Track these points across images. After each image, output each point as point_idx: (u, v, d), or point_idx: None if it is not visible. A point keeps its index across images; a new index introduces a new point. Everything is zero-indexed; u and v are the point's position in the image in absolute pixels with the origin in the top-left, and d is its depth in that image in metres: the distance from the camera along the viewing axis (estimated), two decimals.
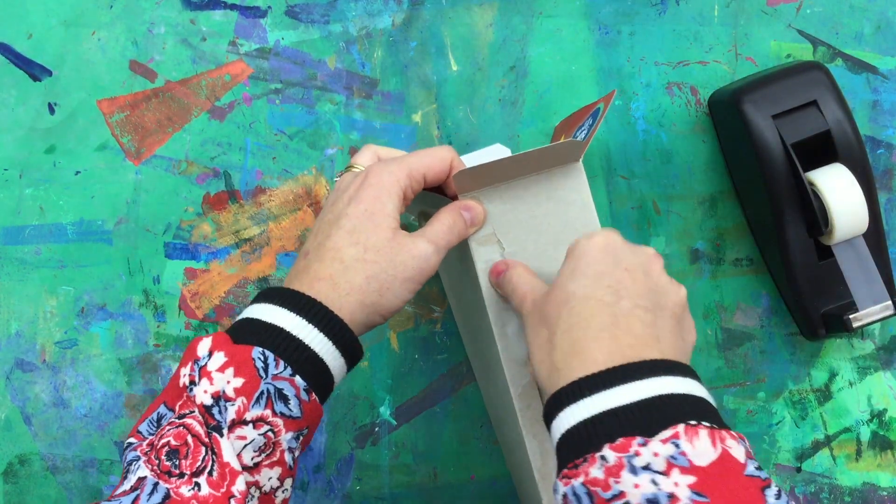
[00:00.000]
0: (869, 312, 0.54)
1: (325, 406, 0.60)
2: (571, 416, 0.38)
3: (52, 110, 0.60)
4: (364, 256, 0.45)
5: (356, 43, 0.61)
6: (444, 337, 0.61)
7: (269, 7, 0.61)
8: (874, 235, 0.56)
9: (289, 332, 0.43)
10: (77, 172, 0.60)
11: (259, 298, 0.45)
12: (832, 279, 0.56)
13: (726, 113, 0.58)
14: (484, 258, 0.49)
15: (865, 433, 0.61)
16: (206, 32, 0.61)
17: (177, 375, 0.43)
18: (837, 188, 0.53)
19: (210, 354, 0.42)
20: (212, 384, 0.41)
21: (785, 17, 0.61)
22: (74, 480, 0.60)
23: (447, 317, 0.61)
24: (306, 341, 0.43)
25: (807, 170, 0.55)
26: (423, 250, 0.46)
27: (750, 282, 0.61)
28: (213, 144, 0.61)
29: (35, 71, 0.60)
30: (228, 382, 0.41)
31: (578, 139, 0.48)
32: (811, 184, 0.54)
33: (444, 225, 0.48)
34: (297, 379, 0.42)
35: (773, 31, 0.61)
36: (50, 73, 0.60)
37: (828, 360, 0.61)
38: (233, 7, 0.61)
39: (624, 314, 0.40)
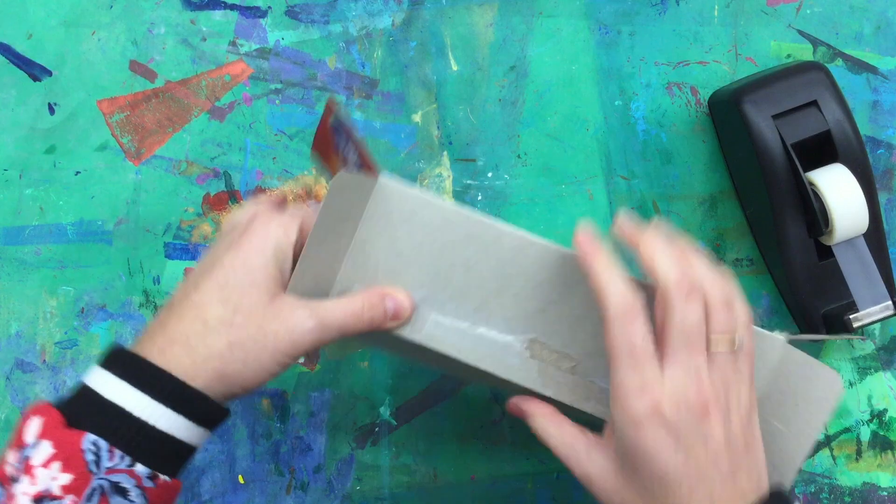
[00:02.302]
0: (869, 312, 0.54)
1: (325, 406, 0.60)
2: None
3: (52, 110, 0.60)
4: (232, 319, 0.39)
5: (356, 43, 0.61)
6: None
7: (269, 7, 0.61)
8: (874, 235, 0.56)
9: (129, 412, 0.37)
10: (77, 172, 0.60)
11: (105, 362, 0.39)
12: (832, 279, 0.56)
13: (726, 113, 0.58)
14: (409, 331, 0.43)
15: (865, 433, 0.61)
16: (206, 32, 0.61)
17: (3, 458, 0.37)
18: (837, 188, 0.53)
19: (37, 443, 0.36)
20: (35, 484, 0.36)
21: (785, 18, 0.61)
22: None
23: None
24: (151, 421, 0.37)
25: (807, 170, 0.55)
26: (301, 325, 0.39)
27: (750, 282, 0.61)
28: (213, 145, 0.61)
29: (35, 71, 0.60)
30: (54, 479, 0.36)
31: (351, 170, 0.44)
32: (811, 184, 0.54)
33: (349, 306, 0.40)
34: (138, 468, 0.37)
35: (773, 31, 0.61)
36: (50, 73, 0.60)
37: (828, 360, 0.61)
38: (233, 7, 0.61)
39: (721, 482, 0.38)
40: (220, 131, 0.61)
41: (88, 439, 0.36)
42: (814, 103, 0.55)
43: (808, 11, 0.61)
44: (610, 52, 0.61)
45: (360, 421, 0.60)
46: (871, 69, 0.61)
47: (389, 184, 0.42)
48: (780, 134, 0.54)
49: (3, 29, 0.60)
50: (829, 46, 0.61)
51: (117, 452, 0.37)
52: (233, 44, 0.61)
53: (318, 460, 0.60)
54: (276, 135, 0.61)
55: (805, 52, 0.61)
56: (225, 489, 0.60)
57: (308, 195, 0.61)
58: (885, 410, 0.61)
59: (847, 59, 0.61)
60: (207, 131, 0.61)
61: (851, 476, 0.61)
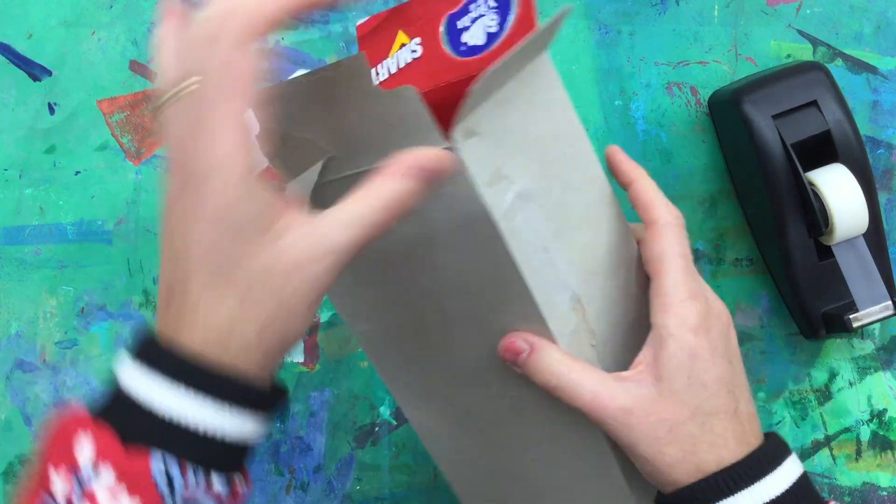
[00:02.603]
0: (869, 312, 0.54)
1: (325, 406, 0.60)
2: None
3: (52, 110, 0.60)
4: (242, 312, 0.32)
5: (356, 43, 0.61)
6: None
7: None
8: (874, 235, 0.56)
9: (194, 429, 0.31)
10: (77, 172, 0.60)
11: (141, 353, 0.33)
12: (832, 279, 0.56)
13: (726, 113, 0.58)
14: (500, 205, 0.36)
15: (865, 433, 0.61)
16: None
17: (43, 477, 0.32)
18: (837, 188, 0.53)
19: (95, 468, 0.31)
20: None
21: (785, 18, 0.61)
22: None
23: None
24: (217, 434, 0.32)
25: (807, 170, 0.55)
26: (316, 263, 0.31)
27: (750, 282, 0.61)
28: None
29: (35, 71, 0.60)
30: None
31: (492, 30, 0.36)
32: (811, 184, 0.54)
33: (368, 203, 0.32)
34: (214, 480, 0.32)
35: (773, 31, 0.61)
36: (50, 73, 0.60)
37: (828, 361, 0.61)
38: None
39: (747, 417, 0.40)
40: None
41: (156, 463, 0.31)
42: (814, 103, 0.55)
43: (808, 11, 0.61)
44: (610, 52, 0.61)
45: (360, 421, 0.60)
46: (871, 69, 0.61)
47: (549, 62, 0.39)
48: (780, 134, 0.54)
49: (3, 29, 0.60)
50: (829, 46, 0.61)
51: (189, 470, 0.32)
52: None
53: (317, 460, 0.60)
54: None
55: (805, 52, 0.61)
56: None
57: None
58: (885, 410, 0.61)
59: (847, 59, 0.61)
60: None
61: (851, 476, 0.61)
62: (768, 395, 0.61)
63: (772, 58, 0.61)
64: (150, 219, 0.60)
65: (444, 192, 0.36)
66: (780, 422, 0.61)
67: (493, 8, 0.38)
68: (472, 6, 0.38)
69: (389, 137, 0.35)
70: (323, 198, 0.38)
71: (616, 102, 0.61)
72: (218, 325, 0.32)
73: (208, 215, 0.32)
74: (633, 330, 0.43)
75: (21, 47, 0.60)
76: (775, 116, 0.55)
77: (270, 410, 0.34)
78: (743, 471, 0.38)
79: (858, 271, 0.54)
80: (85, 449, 0.31)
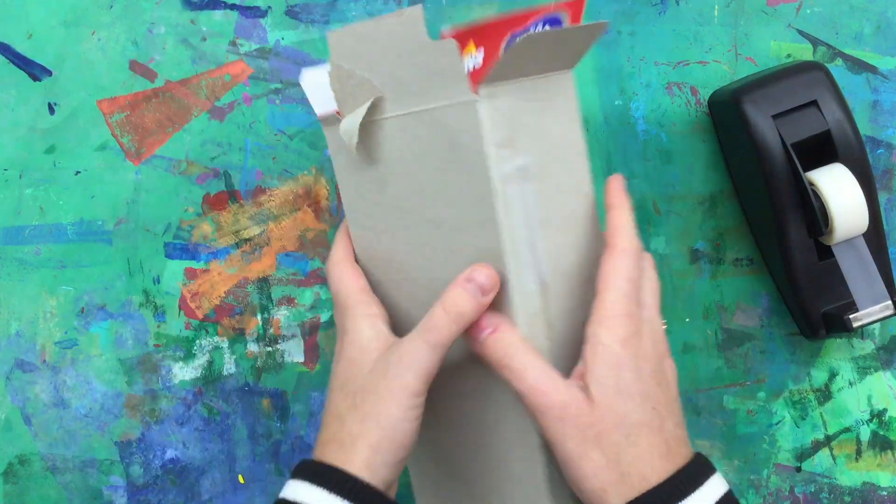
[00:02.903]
0: (869, 312, 0.54)
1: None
2: None
3: (52, 110, 0.60)
4: (355, 403, 0.42)
5: None
6: None
7: (270, 7, 0.61)
8: (874, 235, 0.56)
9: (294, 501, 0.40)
10: (77, 172, 0.60)
11: (294, 472, 0.43)
12: (832, 279, 0.56)
13: (726, 113, 0.58)
14: (501, 168, 0.41)
15: (865, 433, 0.61)
16: (206, 32, 0.61)
17: None
18: (837, 188, 0.53)
19: None
20: None
21: (785, 17, 0.61)
22: (74, 480, 0.60)
23: None
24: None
25: (807, 170, 0.55)
26: (400, 368, 0.42)
27: (750, 282, 0.61)
28: (213, 144, 0.61)
29: (35, 71, 0.60)
30: None
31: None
32: (811, 184, 0.54)
33: (435, 316, 0.42)
34: None
35: (773, 31, 0.61)
36: (50, 73, 0.60)
37: (828, 360, 0.61)
38: (233, 7, 0.61)
39: (673, 437, 0.42)
40: (220, 131, 0.61)
41: None
42: (814, 103, 0.55)
43: (808, 11, 0.61)
44: (610, 52, 0.61)
45: None
46: (871, 69, 0.61)
47: (572, 80, 0.45)
48: (780, 134, 0.54)
49: (3, 29, 0.60)
50: (829, 46, 0.61)
51: None
52: (233, 44, 0.61)
53: None
54: (276, 135, 0.61)
55: (805, 52, 0.61)
56: (225, 489, 0.60)
57: (308, 195, 0.61)
58: (885, 410, 0.61)
59: (847, 59, 0.61)
60: (207, 131, 0.61)
61: (851, 476, 0.61)
62: (768, 395, 0.61)
63: (772, 58, 0.61)
64: (150, 219, 0.60)
65: (457, 142, 0.42)
66: (780, 422, 0.61)
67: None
68: (531, 27, 0.44)
69: (429, 84, 0.42)
70: (367, 134, 0.45)
71: (616, 102, 0.61)
72: (337, 434, 0.42)
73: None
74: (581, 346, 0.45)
75: (21, 47, 0.60)
76: (775, 116, 0.55)
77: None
78: (668, 490, 0.39)
79: (858, 271, 0.54)
80: None
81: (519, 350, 0.41)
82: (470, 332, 0.42)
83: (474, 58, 0.45)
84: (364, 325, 0.45)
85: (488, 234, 0.42)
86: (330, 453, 0.42)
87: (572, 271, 0.45)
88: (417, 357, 0.41)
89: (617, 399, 0.41)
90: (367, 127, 0.45)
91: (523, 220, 0.42)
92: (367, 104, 0.44)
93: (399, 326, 0.47)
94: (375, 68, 0.44)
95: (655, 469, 0.40)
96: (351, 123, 0.45)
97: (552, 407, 0.40)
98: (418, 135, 0.44)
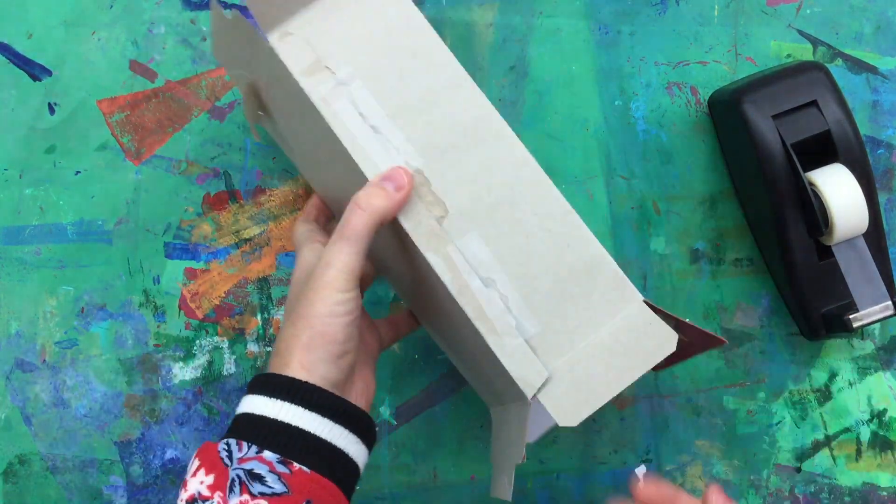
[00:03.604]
0: (869, 312, 0.54)
1: None
2: None
3: (52, 110, 0.60)
4: (289, 314, 0.45)
5: None
6: None
7: None
8: (874, 235, 0.56)
9: (252, 413, 0.42)
10: (77, 172, 0.60)
11: (254, 384, 0.45)
12: (832, 279, 0.56)
13: (726, 113, 0.58)
14: (318, 90, 0.45)
15: (865, 433, 0.61)
16: (207, 32, 0.61)
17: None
18: (837, 188, 0.53)
19: (190, 463, 0.42)
20: (186, 490, 0.41)
21: (785, 17, 0.61)
22: (74, 480, 0.60)
23: None
24: (271, 415, 0.42)
25: (807, 170, 0.55)
26: (321, 268, 0.44)
27: (750, 282, 0.61)
28: (213, 144, 0.61)
29: (35, 71, 0.60)
30: (202, 483, 0.40)
31: None
32: (811, 184, 0.54)
33: (351, 216, 0.44)
34: (266, 454, 0.41)
35: (773, 31, 0.61)
36: (50, 73, 0.60)
37: (828, 361, 0.61)
38: (233, 7, 0.61)
39: None
40: (220, 131, 0.61)
41: (222, 444, 0.42)
42: (814, 103, 0.55)
43: (808, 11, 0.61)
44: (610, 52, 0.61)
45: None
46: (871, 69, 0.61)
47: None
48: (780, 134, 0.54)
49: (3, 29, 0.60)
50: (829, 46, 0.61)
51: (244, 444, 0.41)
52: None
53: None
54: None
55: (805, 52, 0.61)
56: None
57: (308, 195, 0.61)
58: (885, 410, 0.61)
59: (847, 59, 0.61)
60: (207, 131, 0.61)
61: (851, 476, 0.61)
62: (768, 396, 0.61)
63: (772, 58, 0.61)
64: (150, 219, 0.60)
65: (285, 87, 0.46)
66: (780, 422, 0.61)
67: None
68: None
69: (249, 52, 0.47)
70: (266, 111, 0.52)
71: (616, 102, 0.61)
72: (277, 347, 0.44)
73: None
74: (502, 208, 0.46)
75: (21, 47, 0.60)
76: (775, 116, 0.55)
77: (319, 407, 0.42)
78: None
79: (858, 271, 0.54)
80: (191, 460, 0.43)
81: None
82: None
83: None
84: (306, 251, 0.49)
85: (341, 151, 0.45)
86: (273, 366, 0.44)
87: (449, 141, 0.46)
88: (337, 254, 0.43)
89: None
90: (265, 110, 0.52)
91: (365, 125, 0.46)
92: (245, 91, 0.50)
93: None
94: (237, 60, 0.49)
95: None
96: (246, 113, 0.52)
97: None
98: (278, 96, 0.49)
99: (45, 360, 0.60)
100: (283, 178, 0.61)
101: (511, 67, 0.61)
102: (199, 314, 0.60)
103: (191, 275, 0.60)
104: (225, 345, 0.60)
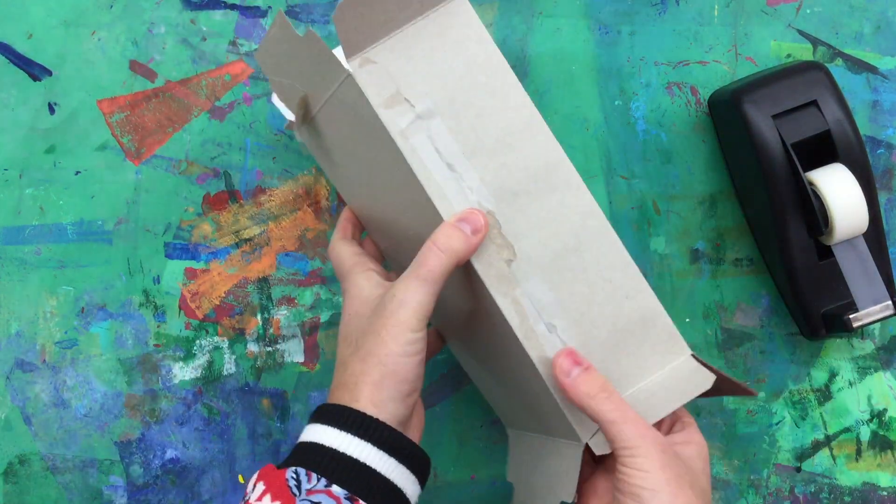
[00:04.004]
0: (869, 312, 0.54)
1: None
2: None
3: (52, 110, 0.60)
4: (356, 350, 0.44)
5: None
6: None
7: (270, 7, 0.61)
8: (874, 235, 0.56)
9: (324, 444, 0.42)
10: (77, 172, 0.60)
11: (311, 417, 0.45)
12: (832, 279, 0.56)
13: (726, 113, 0.58)
14: (396, 124, 0.44)
15: (865, 433, 0.61)
16: (206, 32, 0.61)
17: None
18: (837, 188, 0.53)
19: (254, 487, 0.42)
20: None
21: (785, 17, 0.61)
22: (74, 480, 0.60)
23: None
24: (342, 449, 0.42)
25: (807, 170, 0.55)
26: (394, 307, 0.43)
27: (750, 282, 0.61)
28: (213, 144, 0.61)
29: (35, 71, 0.60)
30: None
31: None
32: (811, 184, 0.54)
33: (428, 256, 0.44)
34: (335, 489, 0.41)
35: (773, 31, 0.61)
36: (50, 73, 0.60)
37: (828, 360, 0.61)
38: (233, 7, 0.61)
39: None
40: (220, 131, 0.61)
41: (290, 471, 0.41)
42: (814, 103, 0.55)
43: (808, 11, 0.61)
44: (610, 51, 0.61)
45: None
46: (871, 69, 0.61)
47: (467, 5, 0.46)
48: (780, 134, 0.54)
49: (3, 29, 0.60)
50: (829, 46, 0.61)
51: (314, 476, 0.41)
52: (233, 43, 0.61)
53: None
54: (276, 134, 0.61)
55: (805, 52, 0.61)
56: (225, 489, 0.60)
57: (308, 195, 0.61)
58: (885, 410, 0.61)
59: (847, 59, 0.61)
60: (207, 131, 0.61)
61: (851, 476, 0.61)
62: (768, 395, 0.61)
63: (772, 58, 0.61)
64: (150, 219, 0.60)
65: (359, 114, 0.45)
66: (780, 421, 0.61)
67: None
68: None
69: (322, 72, 0.45)
70: (315, 128, 0.50)
71: (616, 102, 0.61)
72: (344, 376, 0.44)
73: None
74: (568, 256, 0.46)
75: (21, 47, 0.60)
76: (775, 116, 0.55)
77: (394, 447, 0.43)
78: None
79: (858, 271, 0.54)
80: (252, 479, 0.43)
81: (610, 395, 0.43)
82: (557, 370, 0.45)
83: None
84: (361, 279, 0.47)
85: (414, 186, 0.45)
86: (338, 397, 0.44)
87: (523, 187, 0.45)
88: (411, 293, 0.43)
89: (703, 477, 0.45)
90: (311, 123, 0.50)
91: (441, 162, 0.45)
92: (298, 104, 0.48)
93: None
94: (290, 71, 0.47)
95: None
96: (295, 124, 0.50)
97: (642, 432, 0.42)
98: (338, 117, 0.47)
99: (45, 360, 0.60)
100: (283, 178, 0.61)
101: (511, 67, 0.61)
102: (199, 314, 0.60)
103: (191, 275, 0.60)
104: (225, 345, 0.60)
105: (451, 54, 0.45)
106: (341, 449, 0.42)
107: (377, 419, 0.42)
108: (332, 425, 0.42)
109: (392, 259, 0.54)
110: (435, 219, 0.45)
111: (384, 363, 0.43)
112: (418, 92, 0.45)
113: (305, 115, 0.49)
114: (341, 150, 0.50)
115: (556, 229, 0.46)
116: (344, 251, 0.50)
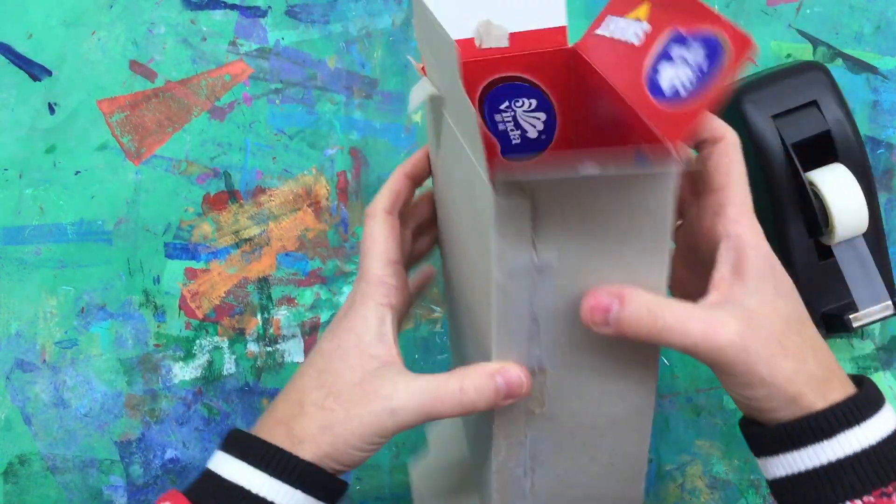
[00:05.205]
0: (869, 312, 0.54)
1: None
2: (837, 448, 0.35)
3: (52, 110, 0.60)
4: (323, 403, 0.39)
5: (356, 43, 0.61)
6: (444, 337, 0.61)
7: (269, 7, 0.61)
8: (874, 235, 0.56)
9: (246, 489, 0.38)
10: (77, 172, 0.60)
11: (224, 445, 0.41)
12: (832, 279, 0.56)
13: (726, 113, 0.58)
14: (507, 263, 0.35)
15: None
16: (206, 32, 0.61)
17: None
18: (837, 188, 0.53)
19: None
20: None
21: (785, 17, 0.61)
22: (74, 480, 0.60)
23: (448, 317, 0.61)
24: (268, 496, 0.38)
25: (807, 170, 0.55)
26: (385, 407, 0.38)
27: None
28: (213, 144, 0.61)
29: (35, 71, 0.60)
30: None
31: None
32: (811, 184, 0.54)
33: (448, 388, 0.38)
34: None
35: (773, 31, 0.61)
36: (50, 73, 0.60)
37: None
38: (233, 7, 0.61)
39: (816, 334, 0.38)
40: (220, 131, 0.61)
41: None
42: (814, 103, 0.55)
43: (808, 11, 0.61)
44: None
45: None
46: (871, 69, 0.61)
47: (672, 178, 0.33)
48: (780, 134, 0.54)
49: (3, 29, 0.60)
50: (829, 46, 0.61)
51: None
52: (233, 44, 0.61)
53: None
54: (276, 134, 0.61)
55: (805, 52, 0.61)
56: None
57: (308, 195, 0.61)
58: None
59: (847, 59, 0.61)
60: (207, 131, 0.61)
61: None
62: None
63: (772, 58, 0.61)
64: (150, 219, 0.60)
65: (476, 199, 0.36)
66: None
67: (698, 67, 0.33)
68: (691, 43, 0.33)
69: (465, 126, 0.35)
70: (438, 120, 0.41)
71: None
72: (294, 413, 0.40)
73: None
74: (591, 433, 0.41)
75: (21, 47, 0.60)
76: (775, 116, 0.55)
77: (319, 491, 0.39)
78: (856, 404, 0.36)
79: (858, 271, 0.54)
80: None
81: (663, 306, 0.35)
82: (595, 317, 0.35)
83: (635, 32, 0.37)
84: (372, 319, 0.41)
85: (486, 312, 0.37)
86: (277, 435, 0.40)
87: (581, 363, 0.39)
88: (407, 416, 0.38)
89: (779, 299, 0.37)
90: (438, 117, 0.41)
91: (527, 314, 0.37)
92: (433, 90, 0.40)
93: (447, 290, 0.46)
94: (439, 79, 0.39)
95: (833, 361, 0.37)
96: (419, 91, 0.41)
97: (733, 341, 0.35)
98: (456, 150, 0.38)
99: (45, 360, 0.60)
100: (283, 178, 0.61)
101: None
102: (199, 314, 0.60)
103: (191, 275, 0.60)
104: (225, 345, 0.60)
105: (616, 215, 0.34)
106: (259, 492, 0.38)
107: (321, 468, 0.39)
108: (250, 463, 0.39)
109: (443, 251, 0.47)
110: (484, 342, 0.38)
111: (337, 447, 0.39)
112: (554, 239, 0.35)
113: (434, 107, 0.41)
114: (446, 164, 0.42)
115: (597, 410, 0.40)
116: (378, 241, 0.42)
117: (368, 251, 0.42)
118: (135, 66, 0.61)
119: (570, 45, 0.43)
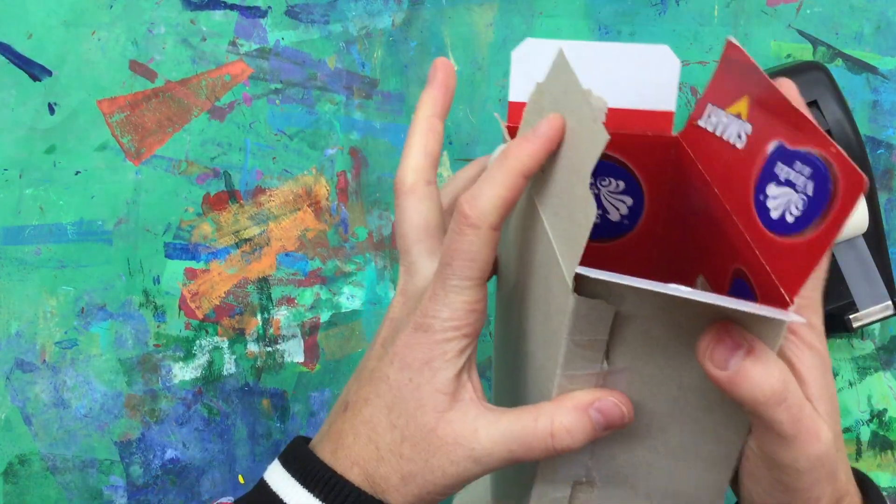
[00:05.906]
0: (869, 312, 0.54)
1: (325, 406, 0.60)
2: None
3: (52, 110, 0.60)
4: (400, 450, 0.35)
5: (356, 43, 0.61)
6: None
7: (269, 7, 0.61)
8: (874, 235, 0.56)
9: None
10: (77, 172, 0.60)
11: (289, 461, 0.37)
12: (832, 279, 0.56)
13: None
14: (574, 365, 0.33)
15: (865, 433, 0.61)
16: (206, 32, 0.61)
17: None
18: None
19: None
20: None
21: (785, 17, 0.61)
22: (74, 480, 0.60)
23: None
24: None
25: None
26: (468, 456, 0.34)
27: None
28: (213, 144, 0.61)
29: (35, 71, 0.60)
30: None
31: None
32: None
33: (536, 433, 0.34)
34: None
35: (773, 31, 0.61)
36: (50, 73, 0.60)
37: None
38: (233, 7, 0.61)
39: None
40: (220, 131, 0.61)
41: None
42: (814, 103, 0.55)
43: (808, 11, 0.61)
44: None
45: None
46: (871, 69, 0.61)
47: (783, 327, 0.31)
48: None
49: (3, 29, 0.60)
50: (829, 46, 0.61)
51: None
52: (233, 44, 0.61)
53: None
54: (276, 135, 0.61)
55: (805, 52, 0.61)
56: (225, 489, 0.60)
57: (308, 195, 0.61)
58: (885, 410, 0.61)
59: (847, 59, 0.61)
60: (207, 131, 0.61)
61: None
62: None
63: (772, 58, 0.61)
64: (149, 219, 0.60)
65: (550, 295, 0.33)
66: None
67: (804, 192, 0.29)
68: (795, 161, 0.30)
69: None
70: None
71: None
72: (370, 455, 0.36)
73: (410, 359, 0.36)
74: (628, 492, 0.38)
75: (21, 47, 0.60)
76: None
77: None
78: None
79: (858, 271, 0.54)
80: None
81: (790, 383, 0.31)
82: (712, 354, 0.30)
83: (738, 133, 0.34)
84: (452, 352, 0.35)
85: (541, 394, 0.35)
86: (354, 477, 0.36)
87: (626, 475, 0.36)
88: (492, 463, 0.35)
89: (837, 417, 0.34)
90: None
91: (599, 357, 0.34)
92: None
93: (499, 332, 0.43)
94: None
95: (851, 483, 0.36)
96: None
97: (818, 454, 0.32)
98: (536, 223, 0.35)
99: (45, 360, 0.60)
100: (283, 178, 0.61)
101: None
102: (199, 314, 0.60)
103: (191, 275, 0.60)
104: (225, 345, 0.60)
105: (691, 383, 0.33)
106: None
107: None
108: (320, 498, 0.36)
109: (500, 273, 0.42)
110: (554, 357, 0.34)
111: (421, 497, 0.35)
112: (622, 354, 0.33)
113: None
114: (525, 224, 0.38)
115: (649, 486, 0.37)
116: (478, 260, 0.34)
117: (467, 269, 0.35)
118: (135, 66, 0.61)
119: (673, 133, 0.40)
